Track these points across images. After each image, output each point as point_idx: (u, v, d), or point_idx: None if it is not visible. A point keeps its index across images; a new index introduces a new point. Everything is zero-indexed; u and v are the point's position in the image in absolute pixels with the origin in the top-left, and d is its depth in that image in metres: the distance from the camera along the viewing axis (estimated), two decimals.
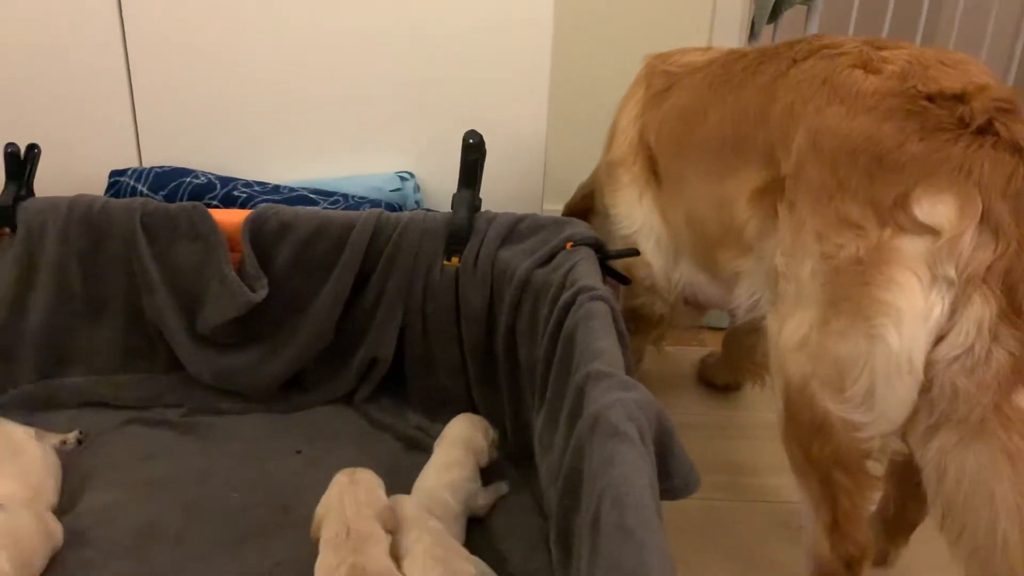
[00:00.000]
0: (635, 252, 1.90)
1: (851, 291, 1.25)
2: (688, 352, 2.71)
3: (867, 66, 1.35)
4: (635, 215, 1.95)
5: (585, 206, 2.28)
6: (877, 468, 1.41)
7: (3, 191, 1.97)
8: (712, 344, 2.69)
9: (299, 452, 1.92)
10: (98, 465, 1.80)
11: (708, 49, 1.95)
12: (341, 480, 1.56)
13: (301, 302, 2.00)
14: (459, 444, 1.76)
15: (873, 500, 1.46)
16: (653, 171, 1.90)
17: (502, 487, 1.75)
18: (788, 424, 1.41)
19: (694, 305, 2.01)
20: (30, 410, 1.93)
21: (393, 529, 1.47)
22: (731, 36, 2.82)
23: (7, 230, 1.97)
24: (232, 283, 1.94)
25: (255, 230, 1.97)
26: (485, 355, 1.95)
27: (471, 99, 2.21)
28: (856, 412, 1.27)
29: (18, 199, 1.98)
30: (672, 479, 1.32)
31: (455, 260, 1.93)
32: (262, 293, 1.94)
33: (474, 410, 1.98)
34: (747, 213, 1.53)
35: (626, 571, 0.94)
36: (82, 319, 2.03)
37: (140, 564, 1.54)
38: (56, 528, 1.55)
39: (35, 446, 1.70)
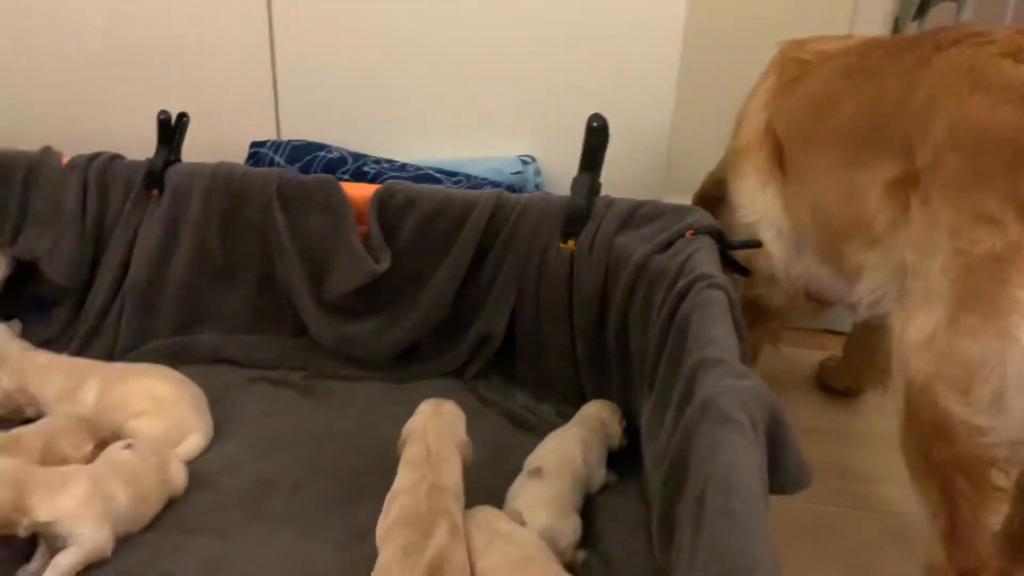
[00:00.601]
0: (757, 243, 1.86)
1: (985, 288, 1.18)
2: (807, 354, 2.62)
3: (1017, 55, 1.27)
4: (757, 204, 1.90)
5: (715, 194, 2.24)
6: (1003, 478, 1.34)
7: (155, 156, 2.12)
8: (832, 348, 2.60)
9: None
10: (225, 418, 1.90)
11: (846, 37, 1.88)
12: (426, 409, 1.64)
13: (421, 276, 2.06)
14: (595, 423, 1.77)
15: (996, 511, 1.38)
16: (779, 160, 1.85)
17: (611, 475, 1.76)
18: (907, 425, 1.36)
19: (815, 299, 1.95)
20: (168, 363, 2.07)
21: (468, 461, 1.57)
22: (873, 34, 2.71)
23: (156, 192, 2.11)
24: (358, 254, 2.01)
25: (382, 204, 2.04)
26: (595, 340, 1.95)
27: (597, 83, 2.22)
28: (982, 416, 1.21)
29: (168, 163, 2.12)
30: (782, 472, 1.30)
31: (571, 243, 1.94)
32: (385, 265, 2.01)
33: (581, 394, 1.99)
34: (878, 206, 1.47)
35: (729, 554, 0.93)
36: (218, 280, 2.16)
37: (257, 512, 1.63)
38: (179, 475, 1.65)
39: (179, 388, 1.84)
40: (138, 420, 1.75)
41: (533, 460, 1.65)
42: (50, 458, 1.58)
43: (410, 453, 1.55)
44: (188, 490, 1.67)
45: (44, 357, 1.88)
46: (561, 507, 1.54)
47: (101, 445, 1.63)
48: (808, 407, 2.38)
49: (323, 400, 2.05)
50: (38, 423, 1.68)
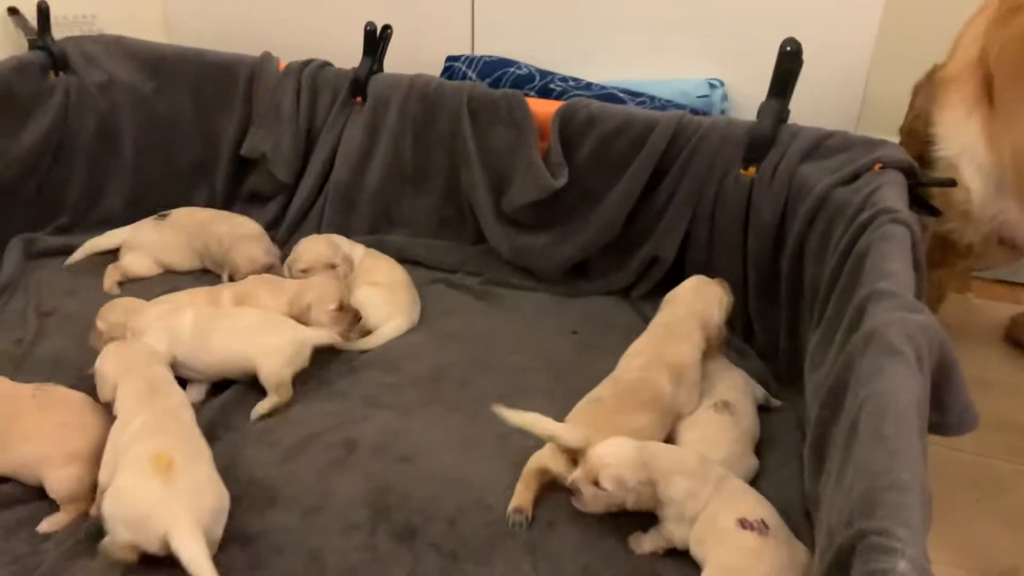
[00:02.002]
0: (951, 182, 1.76)
1: None
2: (1000, 307, 2.47)
3: None
4: (958, 137, 1.78)
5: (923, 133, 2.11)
6: None
7: (360, 65, 2.27)
8: None
9: (575, 333, 2.07)
10: None
11: None
12: (692, 283, 1.80)
13: (596, 194, 2.11)
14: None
15: None
16: (988, 94, 1.73)
17: (772, 400, 1.78)
18: None
19: (1008, 245, 1.83)
20: None
21: (712, 343, 1.72)
22: None
23: (360, 99, 2.27)
24: (537, 168, 2.09)
25: (564, 121, 2.09)
26: (768, 270, 1.94)
27: (794, 5, 2.13)
28: None
29: (371, 73, 2.27)
30: (946, 413, 1.27)
31: (752, 170, 1.92)
32: (562, 181, 2.08)
33: (748, 322, 1.99)
34: None
35: (873, 472, 0.95)
36: (408, 185, 2.31)
37: (431, 395, 1.79)
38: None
39: (405, 277, 2.12)
40: (367, 288, 2.00)
41: (717, 393, 1.67)
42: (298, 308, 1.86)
43: (663, 318, 1.75)
44: (373, 371, 1.86)
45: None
46: (746, 447, 1.59)
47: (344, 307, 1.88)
48: (992, 360, 2.25)
49: (495, 305, 2.18)
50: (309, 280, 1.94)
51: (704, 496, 1.34)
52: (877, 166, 1.74)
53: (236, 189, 2.45)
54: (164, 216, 2.21)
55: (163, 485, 1.26)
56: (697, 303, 1.75)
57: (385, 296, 2.03)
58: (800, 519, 1.44)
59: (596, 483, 1.35)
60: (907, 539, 0.84)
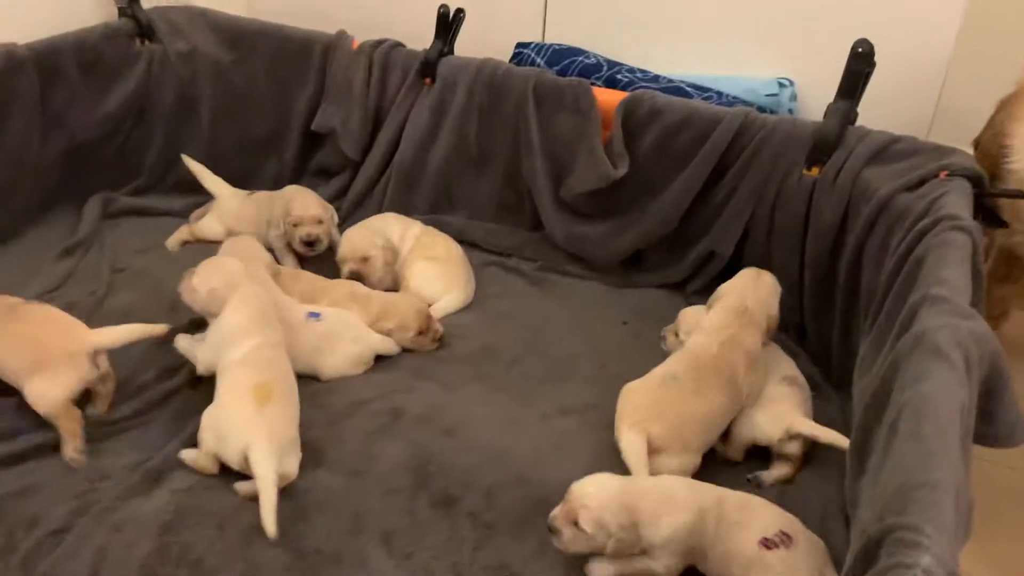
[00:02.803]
0: (1021, 194, 1.72)
1: None
2: None
3: None
4: None
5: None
6: None
7: (431, 47, 2.31)
8: None
9: (625, 323, 2.08)
10: None
11: None
12: (747, 274, 1.79)
13: (656, 186, 2.11)
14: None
15: None
16: None
17: None
18: None
19: None
20: None
21: (771, 334, 1.74)
22: None
23: (429, 81, 2.32)
24: (598, 157, 2.10)
25: (628, 112, 2.10)
26: (825, 272, 1.92)
27: (870, 7, 2.10)
28: None
29: (441, 55, 2.31)
30: (993, 424, 1.25)
31: (815, 170, 1.90)
32: (622, 171, 2.08)
33: (801, 322, 1.98)
34: None
35: (909, 470, 0.95)
36: (470, 168, 2.35)
37: (478, 373, 1.82)
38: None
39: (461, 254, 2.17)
40: (424, 263, 2.06)
41: (780, 370, 1.73)
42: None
43: (728, 303, 1.72)
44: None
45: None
46: (807, 412, 1.66)
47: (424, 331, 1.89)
48: None
49: (547, 290, 2.20)
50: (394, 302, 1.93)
51: (709, 529, 1.27)
52: (943, 173, 1.71)
53: (305, 163, 2.52)
54: (252, 194, 2.30)
55: (256, 411, 1.44)
56: (762, 292, 1.76)
57: (441, 270, 2.08)
58: (838, 520, 1.44)
59: (575, 523, 1.26)
60: (934, 537, 0.84)
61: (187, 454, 1.48)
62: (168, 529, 1.33)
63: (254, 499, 1.35)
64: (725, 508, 1.29)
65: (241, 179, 2.39)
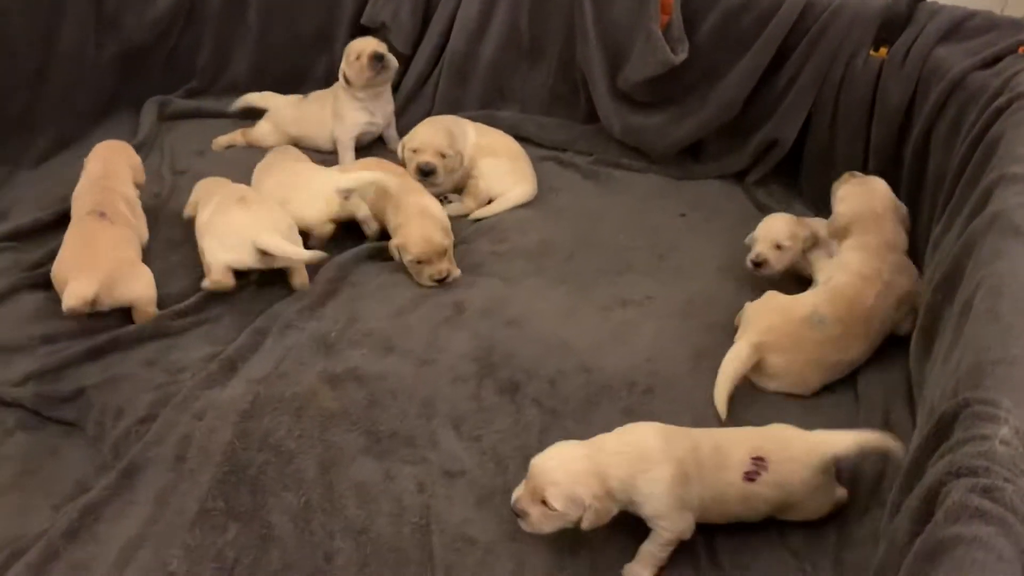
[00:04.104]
0: None
1: None
2: None
3: None
4: None
5: None
6: None
7: None
8: None
9: (682, 215, 2.06)
10: None
11: None
12: (860, 190, 1.67)
13: (716, 72, 2.06)
14: None
15: None
16: None
17: None
18: None
19: None
20: None
21: None
22: None
23: None
24: (656, 42, 2.04)
25: None
26: (890, 157, 1.87)
27: None
28: None
29: None
30: None
31: (883, 51, 1.83)
32: (682, 56, 2.03)
33: None
34: None
35: (983, 347, 0.94)
36: (523, 60, 2.30)
37: (537, 267, 1.84)
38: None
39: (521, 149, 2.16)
40: (489, 160, 2.05)
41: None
42: None
43: (868, 241, 1.60)
44: (482, 240, 1.91)
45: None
46: None
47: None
48: None
49: (602, 185, 2.18)
50: None
51: (693, 476, 1.20)
52: (1021, 48, 1.63)
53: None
54: (307, 96, 2.29)
55: (244, 211, 1.68)
56: (890, 209, 1.67)
57: (508, 165, 2.07)
58: (903, 408, 1.45)
59: (544, 502, 1.18)
60: (1012, 410, 0.84)
61: (205, 283, 1.66)
62: (247, 416, 1.39)
63: (328, 380, 1.43)
64: (701, 454, 1.23)
65: (292, 78, 2.38)
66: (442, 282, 1.72)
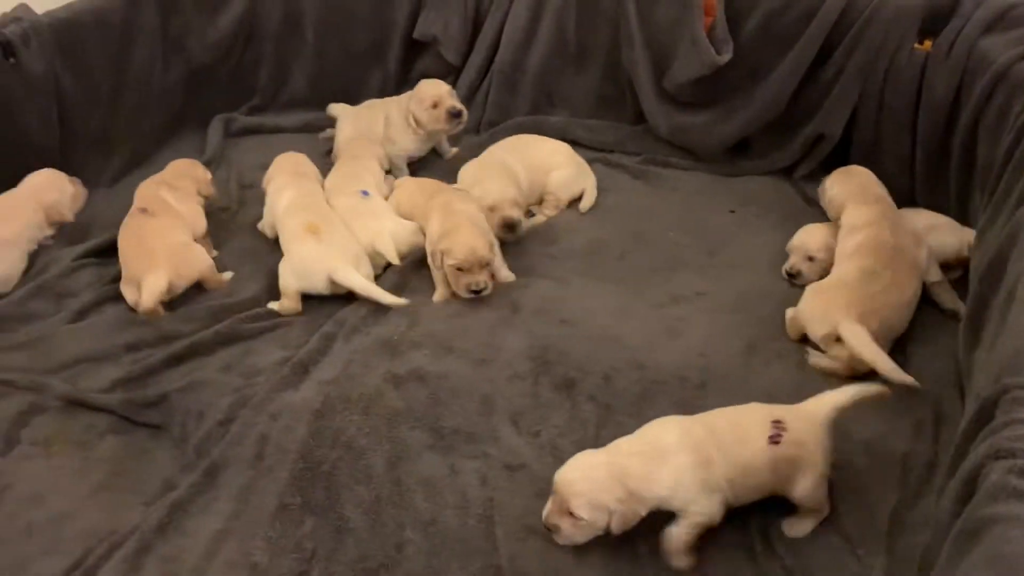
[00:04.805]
0: None
1: None
2: None
3: None
4: None
5: None
6: None
7: None
8: None
9: (732, 212, 2.10)
10: None
11: None
12: (842, 175, 1.84)
13: (761, 70, 2.09)
14: None
15: None
16: None
17: None
18: None
19: None
20: None
21: None
22: None
23: None
24: (701, 44, 2.08)
25: None
26: (938, 148, 1.88)
27: None
28: None
29: None
30: None
31: (927, 43, 1.84)
32: (726, 57, 2.06)
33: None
34: None
35: (1023, 335, 0.97)
36: (570, 65, 2.36)
37: (588, 267, 1.89)
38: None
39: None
40: (553, 174, 2.10)
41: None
42: None
43: (858, 200, 1.73)
44: (534, 242, 1.98)
45: None
46: None
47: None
48: None
49: (651, 184, 2.23)
50: None
51: (715, 459, 1.23)
52: None
53: (407, 72, 2.57)
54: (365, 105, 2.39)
55: (317, 244, 1.76)
56: (870, 178, 1.83)
57: (573, 171, 2.13)
58: (952, 395, 1.47)
59: (571, 514, 1.22)
60: None
61: (275, 304, 1.76)
62: (320, 416, 1.48)
63: (392, 381, 1.52)
64: (719, 434, 1.27)
65: (347, 91, 2.48)
66: (478, 294, 1.72)
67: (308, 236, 1.78)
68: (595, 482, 1.21)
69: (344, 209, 1.93)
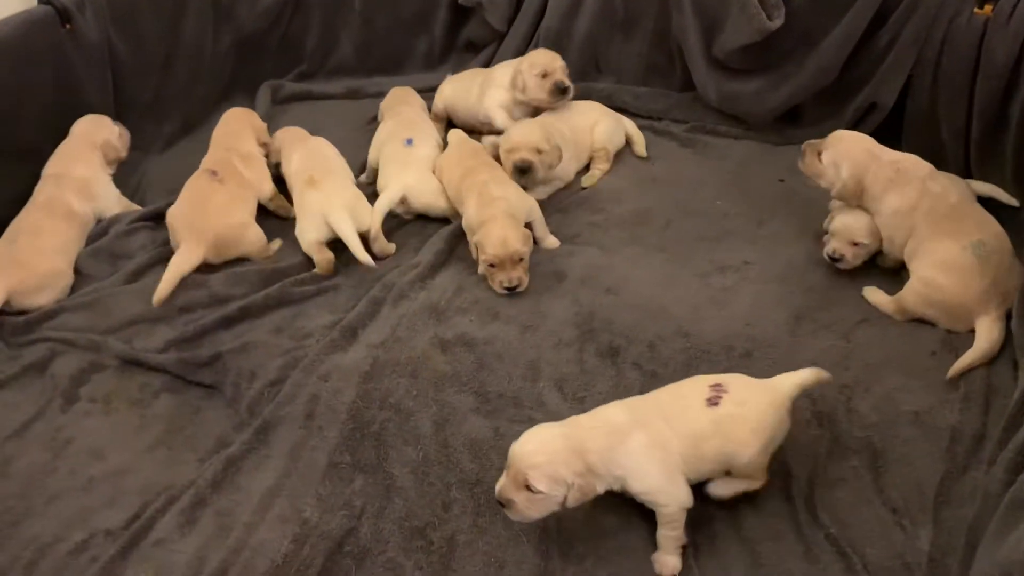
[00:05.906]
0: None
1: None
2: None
3: None
4: None
5: None
6: None
7: None
8: None
9: (781, 181, 2.06)
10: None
11: None
12: (851, 147, 1.75)
13: (813, 37, 2.04)
14: None
15: None
16: None
17: None
18: None
19: None
20: None
21: None
22: None
23: None
24: (752, 9, 2.04)
25: None
26: (996, 117, 1.83)
27: None
28: None
29: None
30: None
31: (988, 8, 1.79)
32: (778, 22, 2.02)
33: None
34: None
35: None
36: (618, 32, 2.34)
37: (634, 237, 1.88)
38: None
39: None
40: (599, 126, 2.13)
41: None
42: None
43: (896, 179, 1.66)
44: (580, 211, 1.97)
45: None
46: None
47: None
48: None
49: (700, 152, 2.20)
50: None
51: (666, 433, 1.22)
52: None
53: (453, 39, 2.57)
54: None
55: (315, 192, 1.86)
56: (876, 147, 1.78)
57: (614, 125, 2.18)
58: (1003, 362, 1.45)
59: (528, 487, 1.19)
60: None
61: (315, 268, 1.80)
62: (368, 378, 1.50)
63: (440, 345, 1.56)
64: (665, 408, 1.27)
65: (394, 58, 2.49)
66: (512, 291, 1.68)
67: (306, 188, 1.87)
68: (554, 454, 1.18)
69: (388, 154, 2.02)
